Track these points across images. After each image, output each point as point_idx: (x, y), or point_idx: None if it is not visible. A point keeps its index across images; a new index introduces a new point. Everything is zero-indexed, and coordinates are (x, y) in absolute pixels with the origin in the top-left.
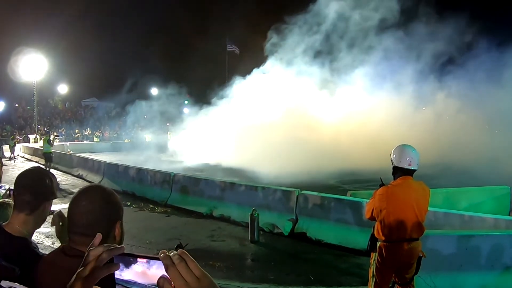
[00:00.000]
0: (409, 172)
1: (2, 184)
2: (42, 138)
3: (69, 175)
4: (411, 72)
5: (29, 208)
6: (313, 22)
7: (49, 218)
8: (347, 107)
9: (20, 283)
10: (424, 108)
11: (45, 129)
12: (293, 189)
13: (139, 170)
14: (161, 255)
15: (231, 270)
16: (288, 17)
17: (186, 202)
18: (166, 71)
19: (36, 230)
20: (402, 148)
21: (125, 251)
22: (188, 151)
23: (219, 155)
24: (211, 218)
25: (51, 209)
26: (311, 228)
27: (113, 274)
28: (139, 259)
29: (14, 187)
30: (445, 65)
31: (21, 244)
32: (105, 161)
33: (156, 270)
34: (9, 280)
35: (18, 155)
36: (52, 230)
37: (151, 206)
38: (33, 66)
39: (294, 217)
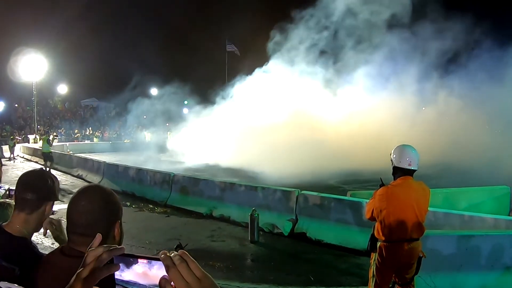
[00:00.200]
0: (409, 172)
1: (2, 184)
2: (42, 138)
3: (69, 175)
4: (411, 72)
5: (30, 208)
6: (313, 22)
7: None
8: (348, 107)
9: (19, 284)
10: (424, 108)
11: (45, 129)
12: (292, 189)
13: (139, 170)
14: (162, 255)
15: (231, 270)
16: (288, 17)
17: (186, 202)
18: (166, 71)
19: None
20: (402, 148)
21: (125, 252)
22: (188, 151)
23: (220, 155)
24: (211, 218)
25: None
26: (311, 228)
27: (113, 274)
28: (139, 260)
29: (16, 186)
30: (445, 65)
31: (21, 244)
32: (104, 161)
33: (157, 271)
34: (9, 281)
35: (17, 156)
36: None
37: (151, 206)
38: (32, 66)
39: (294, 217)
